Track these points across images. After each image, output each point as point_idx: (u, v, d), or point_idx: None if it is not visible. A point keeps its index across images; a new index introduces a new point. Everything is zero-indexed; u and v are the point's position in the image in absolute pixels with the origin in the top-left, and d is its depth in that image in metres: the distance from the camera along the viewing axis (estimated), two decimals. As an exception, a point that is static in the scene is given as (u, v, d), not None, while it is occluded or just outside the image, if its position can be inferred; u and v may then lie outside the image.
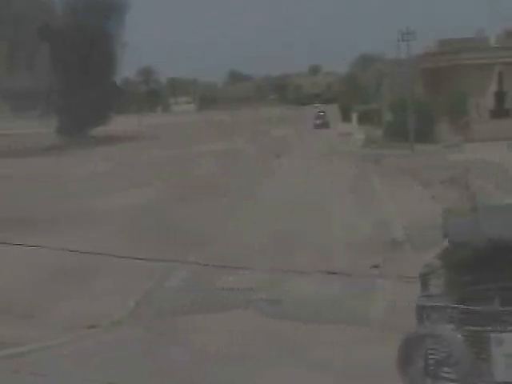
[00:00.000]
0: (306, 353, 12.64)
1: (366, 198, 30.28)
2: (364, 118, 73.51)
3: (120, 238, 22.94)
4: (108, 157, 53.75)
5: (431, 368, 8.51)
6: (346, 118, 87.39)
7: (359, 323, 14.15)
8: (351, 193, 31.86)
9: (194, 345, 13.46)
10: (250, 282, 17.52)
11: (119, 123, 79.24)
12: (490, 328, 8.36)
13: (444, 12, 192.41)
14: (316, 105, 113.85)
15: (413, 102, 54.33)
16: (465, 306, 8.60)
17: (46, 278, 18.44)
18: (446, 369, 8.41)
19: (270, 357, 12.55)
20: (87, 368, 12.57)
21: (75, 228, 24.97)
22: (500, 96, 56.45)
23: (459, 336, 8.39)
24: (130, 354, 13.20)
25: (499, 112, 55.85)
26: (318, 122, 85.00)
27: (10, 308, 15.97)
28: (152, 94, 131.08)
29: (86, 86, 71.00)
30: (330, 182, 36.00)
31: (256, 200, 31.44)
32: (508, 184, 27.11)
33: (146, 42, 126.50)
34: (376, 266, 18.37)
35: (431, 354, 8.57)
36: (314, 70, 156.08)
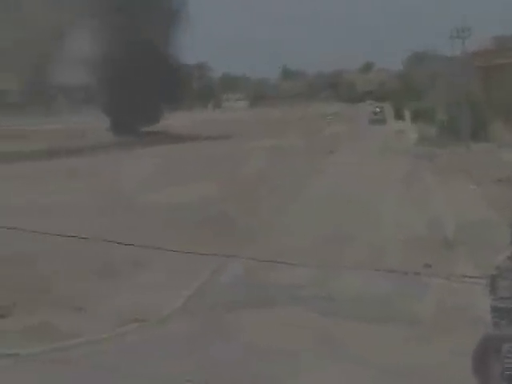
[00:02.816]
0: (355, 351, 12.56)
1: (418, 196, 30.02)
2: (417, 116, 72.92)
3: (169, 233, 23.06)
4: (160, 153, 54.06)
5: (508, 372, 8.37)
6: (398, 115, 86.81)
7: (410, 322, 14.02)
8: (404, 191, 31.61)
9: (245, 340, 13.46)
10: (302, 279, 17.49)
11: (172, 120, 79.72)
12: None
13: (499, 8, 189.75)
14: (369, 102, 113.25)
15: (467, 100, 53.74)
16: None
17: (102, 271, 18.59)
18: None
19: (319, 354, 12.49)
20: (137, 361, 12.65)
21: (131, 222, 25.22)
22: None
23: None
24: (180, 348, 13.25)
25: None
26: (374, 117, 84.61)
27: (63, 300, 16.14)
28: (204, 91, 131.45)
29: (142, 82, 71.39)
30: (382, 179, 35.78)
31: (308, 196, 31.36)
32: None
33: (199, 38, 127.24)
34: (428, 265, 18.20)
35: (508, 357, 8.42)
36: (367, 67, 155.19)
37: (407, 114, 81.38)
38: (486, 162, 39.40)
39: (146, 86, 72.23)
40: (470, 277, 15.70)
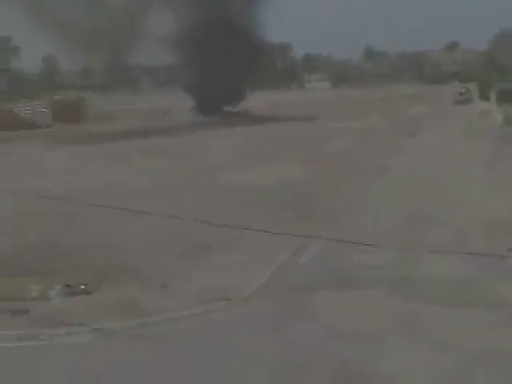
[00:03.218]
0: (437, 335, 12.47)
1: (503, 178, 29.48)
2: (503, 97, 71.41)
3: (254, 213, 23.21)
4: (244, 134, 54.28)
5: None
6: (484, 96, 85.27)
7: (494, 306, 13.85)
8: (488, 173, 31.08)
9: (324, 320, 13.50)
10: (384, 261, 17.42)
11: (255, 100, 79.87)
12: None
13: None
14: (454, 83, 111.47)
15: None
16: None
17: (182, 250, 18.85)
18: None
19: (399, 338, 12.45)
20: (217, 340, 12.81)
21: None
22: None
23: None
24: (261, 327, 13.37)
25: None
26: (460, 98, 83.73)
27: (148, 278, 16.43)
28: (287, 71, 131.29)
29: (224, 61, 71.56)
30: (466, 160, 35.25)
31: (390, 178, 31.12)
32: None
33: (282, 18, 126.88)
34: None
35: None
36: (452, 47, 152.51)
37: (493, 94, 79.81)
38: None
39: (228, 65, 72.28)
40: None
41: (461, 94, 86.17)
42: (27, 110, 70.35)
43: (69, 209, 24.80)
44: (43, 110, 71.34)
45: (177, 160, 38.17)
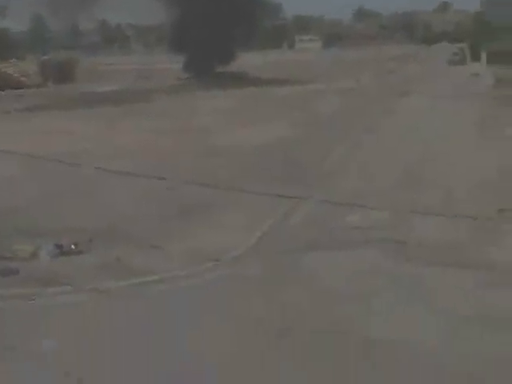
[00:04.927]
0: (426, 296, 12.48)
1: (493, 140, 29.46)
2: (494, 58, 71.25)
3: (247, 174, 23.15)
4: (236, 95, 54.00)
5: None
6: (475, 57, 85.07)
7: (484, 268, 13.87)
8: (478, 134, 31.05)
9: (315, 282, 13.48)
10: (373, 222, 17.41)
11: (246, 60, 79.40)
12: None
13: None
14: (444, 43, 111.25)
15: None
16: None
17: (172, 211, 18.79)
18: None
19: (391, 297, 12.46)
20: (207, 300, 12.81)
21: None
22: None
23: None
24: (251, 288, 13.35)
25: None
26: (453, 58, 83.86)
27: (138, 239, 16.38)
28: (278, 31, 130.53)
29: (214, 20, 70.80)
30: (458, 121, 35.22)
31: (381, 139, 31.09)
32: None
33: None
34: (503, 210, 17.93)
35: None
36: (444, 8, 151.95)
37: (483, 55, 79.62)
38: None
39: (218, 24, 71.52)
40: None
41: (455, 54, 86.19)
42: (16, 70, 69.75)
43: (58, 169, 24.71)
44: (33, 69, 70.77)
45: (164, 120, 37.95)
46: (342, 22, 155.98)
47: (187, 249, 15.60)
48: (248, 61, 79.06)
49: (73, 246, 15.66)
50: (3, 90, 60.65)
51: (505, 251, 14.93)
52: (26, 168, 25.16)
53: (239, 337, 11.07)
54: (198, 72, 73.88)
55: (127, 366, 10.41)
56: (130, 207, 19.34)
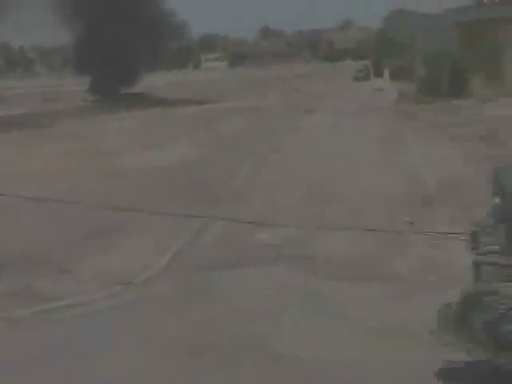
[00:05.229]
0: (336, 309, 12.73)
1: (398, 153, 30.15)
2: (396, 74, 72.86)
3: (153, 195, 23.15)
4: (142, 116, 53.83)
5: (488, 324, 8.58)
6: (378, 73, 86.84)
7: (391, 280, 14.20)
8: (384, 148, 31.72)
9: (226, 300, 13.59)
10: (284, 239, 17.63)
11: (152, 80, 79.21)
12: None
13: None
14: (348, 61, 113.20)
15: (447, 56, 53.84)
16: None
17: (81, 234, 18.67)
18: (503, 325, 8.47)
19: (302, 312, 12.66)
20: (120, 322, 12.79)
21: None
22: (535, 50, 55.68)
23: None
24: (163, 308, 13.39)
25: (535, 66, 55.18)
26: (358, 74, 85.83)
27: (48, 262, 16.22)
28: (183, 51, 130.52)
29: (119, 41, 70.33)
30: (362, 137, 35.87)
31: (287, 156, 31.45)
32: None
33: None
34: (409, 222, 18.37)
35: (490, 310, 8.62)
36: (346, 25, 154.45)
37: (386, 71, 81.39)
38: (467, 118, 39.53)
39: (123, 45, 71.06)
40: (451, 233, 15.90)
41: (359, 70, 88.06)
42: None
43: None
44: None
45: (70, 143, 37.58)
46: (247, 41, 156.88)
47: (99, 272, 15.53)
48: (154, 81, 78.94)
49: None
50: None
51: (411, 262, 15.32)
52: None
53: (152, 357, 11.10)
54: (103, 94, 73.39)
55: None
56: (40, 232, 19.13)
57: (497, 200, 9.55)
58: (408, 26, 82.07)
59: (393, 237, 17.36)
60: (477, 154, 26.56)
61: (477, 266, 9.42)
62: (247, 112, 50.43)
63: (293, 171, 27.47)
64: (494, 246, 9.27)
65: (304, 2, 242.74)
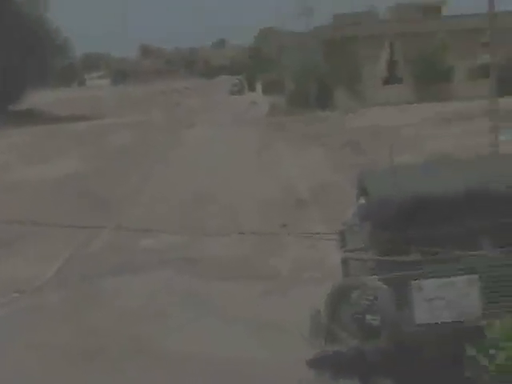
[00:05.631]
0: (218, 307, 12.72)
1: (271, 161, 30.44)
2: (268, 88, 73.64)
3: (40, 207, 22.59)
4: (29, 132, 52.46)
5: (357, 315, 8.73)
6: (251, 87, 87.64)
7: (268, 278, 14.28)
8: (258, 158, 31.97)
9: (115, 305, 13.38)
10: (167, 244, 17.51)
11: (37, 98, 77.40)
12: (410, 276, 8.54)
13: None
14: (224, 76, 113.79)
15: (313, 71, 54.93)
16: (387, 258, 8.82)
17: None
18: (371, 315, 8.64)
19: (186, 312, 12.56)
20: (12, 330, 12.41)
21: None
22: (391, 65, 57.42)
23: (383, 285, 8.62)
24: (54, 315, 13.07)
25: (391, 79, 56.95)
26: (233, 89, 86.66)
27: None
28: (67, 69, 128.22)
29: (4, 63, 68.25)
30: (238, 147, 36.07)
31: (169, 167, 31.34)
32: (398, 145, 27.66)
33: (58, 18, 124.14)
34: (284, 225, 18.54)
35: (357, 302, 8.78)
36: (220, 44, 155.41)
37: (259, 85, 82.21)
38: (332, 128, 40.27)
39: (8, 64, 68.85)
40: (323, 233, 16.12)
41: (234, 85, 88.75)
42: None
43: None
44: None
45: None
46: (129, 59, 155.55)
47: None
48: (40, 99, 77.17)
49: None
50: None
51: (286, 261, 15.46)
52: None
53: (46, 363, 10.79)
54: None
55: None
56: None
57: (361, 201, 9.77)
58: (277, 43, 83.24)
59: (269, 238, 17.47)
60: (343, 161, 27.05)
61: (345, 262, 9.60)
62: (133, 127, 49.91)
63: (176, 181, 27.36)
64: (360, 244, 9.48)
65: (181, 21, 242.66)
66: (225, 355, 10.58)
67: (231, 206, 21.63)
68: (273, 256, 15.90)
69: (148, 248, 17.27)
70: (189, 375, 10.12)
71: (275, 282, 14.00)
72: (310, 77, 54.71)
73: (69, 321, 12.64)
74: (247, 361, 10.30)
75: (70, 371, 10.55)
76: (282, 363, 9.89)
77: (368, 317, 8.72)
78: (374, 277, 8.84)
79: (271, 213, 20.23)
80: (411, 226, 8.93)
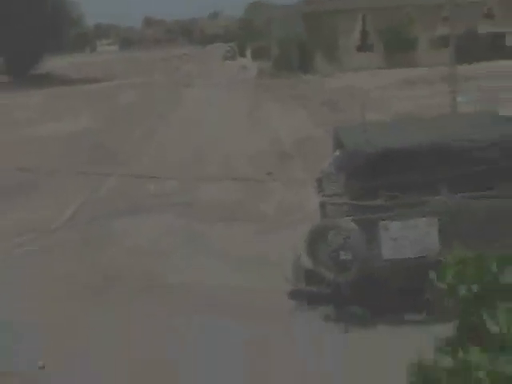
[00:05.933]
0: (213, 244, 12.71)
1: (260, 118, 30.31)
2: (256, 54, 73.07)
3: (58, 158, 22.48)
4: (48, 93, 51.85)
5: (333, 252, 8.85)
6: (242, 53, 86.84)
7: (258, 220, 14.28)
8: (249, 116, 31.80)
9: (124, 243, 13.35)
10: (167, 189, 17.49)
11: (54, 62, 76.44)
12: (378, 218, 8.74)
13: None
14: (217, 44, 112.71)
15: (296, 40, 54.76)
16: (359, 202, 8.94)
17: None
18: (345, 252, 8.78)
19: (185, 249, 12.52)
20: (33, 265, 12.37)
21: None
22: (364, 35, 57.52)
23: (355, 225, 8.66)
24: (73, 253, 13.04)
25: (363, 47, 57.04)
26: (227, 55, 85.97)
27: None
28: (81, 37, 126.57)
29: (27, 34, 67.07)
30: (231, 106, 35.89)
31: (171, 123, 31.21)
32: (369, 104, 27.55)
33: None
34: (270, 173, 18.54)
35: (333, 240, 8.91)
36: (214, 16, 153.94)
37: (248, 52, 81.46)
38: (313, 89, 40.09)
39: (30, 35, 67.78)
40: (304, 180, 16.13)
41: (227, 51, 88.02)
42: None
43: None
44: None
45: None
46: (135, 29, 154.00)
47: (13, 224, 14.92)
48: (57, 63, 76.21)
49: None
50: None
51: (272, 205, 15.47)
52: None
53: (72, 290, 10.80)
54: (14, 74, 70.31)
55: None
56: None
57: (337, 153, 9.80)
58: (265, 15, 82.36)
59: (257, 185, 17.47)
60: (322, 117, 26.93)
61: (323, 206, 9.67)
62: (137, 87, 49.47)
63: (176, 136, 27.23)
64: (336, 190, 9.54)
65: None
66: (218, 282, 10.63)
67: (224, 157, 21.57)
68: (260, 201, 15.88)
69: (152, 193, 17.23)
70: (189, 300, 10.14)
71: (263, 223, 13.99)
72: (293, 45, 54.41)
73: (86, 257, 12.60)
74: (236, 288, 10.34)
75: (93, 298, 10.53)
76: (266, 292, 9.93)
77: (342, 253, 8.83)
78: (347, 218, 8.92)
79: (259, 163, 20.17)
80: (380, 174, 9.00)
